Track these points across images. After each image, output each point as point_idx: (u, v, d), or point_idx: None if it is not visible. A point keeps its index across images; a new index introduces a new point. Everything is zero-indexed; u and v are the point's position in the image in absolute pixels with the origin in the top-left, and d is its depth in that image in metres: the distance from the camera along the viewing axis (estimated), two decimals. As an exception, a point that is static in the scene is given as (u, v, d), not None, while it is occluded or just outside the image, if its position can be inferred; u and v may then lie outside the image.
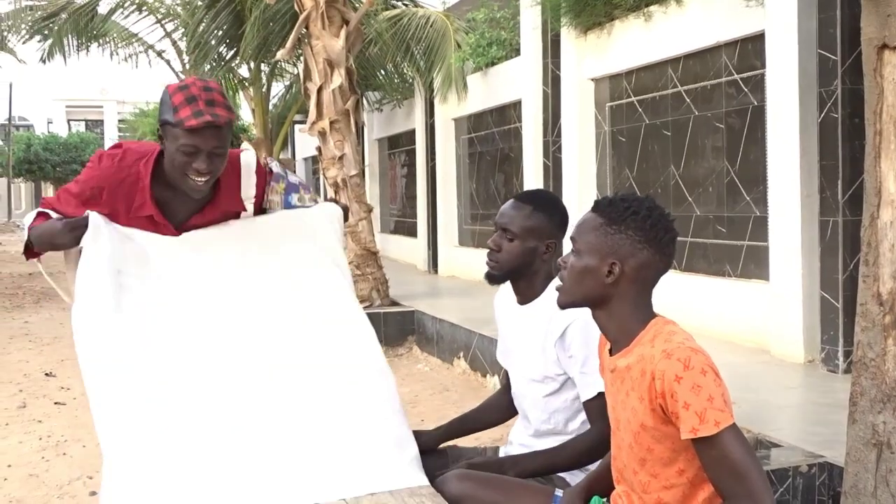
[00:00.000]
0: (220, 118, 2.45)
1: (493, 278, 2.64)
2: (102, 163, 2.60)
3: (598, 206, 2.10)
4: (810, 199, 5.96)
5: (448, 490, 2.26)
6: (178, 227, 2.65)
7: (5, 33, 15.20)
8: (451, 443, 2.80)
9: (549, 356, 2.54)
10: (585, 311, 2.31)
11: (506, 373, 2.86)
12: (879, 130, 2.71)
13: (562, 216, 2.64)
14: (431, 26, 12.35)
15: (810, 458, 3.73)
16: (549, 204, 2.64)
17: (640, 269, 2.03)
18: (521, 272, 2.60)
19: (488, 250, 2.63)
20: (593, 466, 2.54)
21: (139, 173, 2.59)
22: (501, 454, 2.75)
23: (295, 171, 15.75)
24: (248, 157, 2.76)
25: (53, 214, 2.61)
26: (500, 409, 2.89)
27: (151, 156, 2.59)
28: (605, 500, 2.22)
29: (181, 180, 2.52)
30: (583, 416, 2.56)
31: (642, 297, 2.06)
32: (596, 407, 2.46)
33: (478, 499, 2.30)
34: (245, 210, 2.73)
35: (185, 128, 2.42)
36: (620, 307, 2.05)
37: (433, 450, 2.74)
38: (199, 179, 2.50)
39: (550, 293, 2.56)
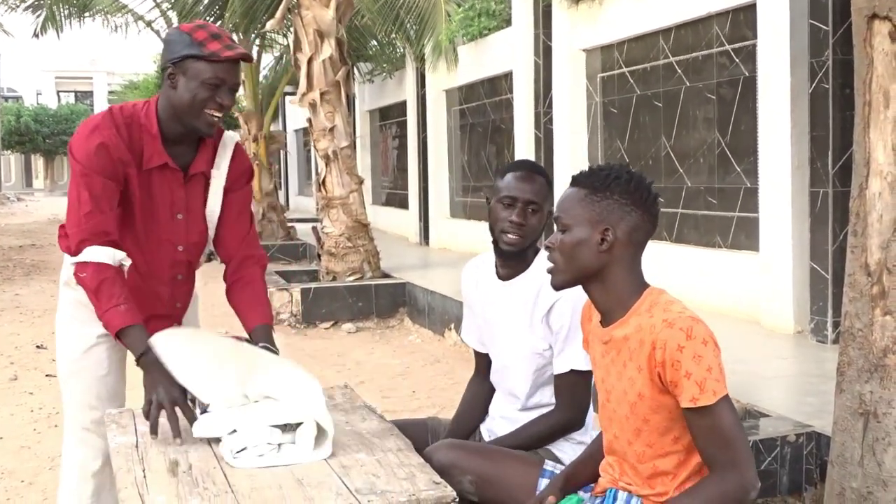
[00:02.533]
0: (248, 54, 2.61)
1: (514, 255, 2.58)
2: (105, 131, 2.56)
3: (577, 180, 2.10)
4: (801, 169, 5.96)
5: (437, 459, 2.27)
6: (185, 173, 2.69)
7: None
8: (432, 415, 2.76)
9: (536, 332, 2.53)
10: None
11: (478, 358, 2.82)
12: (869, 101, 2.70)
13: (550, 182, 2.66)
14: (422, -4, 12.26)
15: (798, 428, 3.76)
16: (545, 171, 2.65)
17: (631, 232, 2.03)
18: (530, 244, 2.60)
19: (510, 225, 2.53)
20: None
21: (143, 126, 2.61)
22: (482, 428, 2.74)
23: (286, 144, 15.54)
24: (231, 134, 2.83)
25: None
26: (485, 400, 2.81)
27: (149, 108, 2.63)
28: (586, 493, 2.24)
29: (196, 118, 2.57)
30: None
31: (635, 262, 2.07)
32: (565, 384, 2.48)
33: (466, 468, 2.31)
34: (212, 177, 2.76)
35: (222, 58, 2.52)
36: (616, 275, 2.05)
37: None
38: (217, 115, 2.59)
39: (535, 267, 2.56)
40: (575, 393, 2.47)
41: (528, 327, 2.55)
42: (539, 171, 2.61)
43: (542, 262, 2.56)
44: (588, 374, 2.44)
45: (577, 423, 2.50)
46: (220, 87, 2.55)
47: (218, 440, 2.21)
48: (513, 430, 2.58)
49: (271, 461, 2.10)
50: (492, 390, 2.77)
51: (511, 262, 2.60)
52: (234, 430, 2.16)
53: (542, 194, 2.55)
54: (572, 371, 2.46)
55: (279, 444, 2.14)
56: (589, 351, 2.23)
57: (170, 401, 2.33)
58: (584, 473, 2.27)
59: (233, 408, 2.25)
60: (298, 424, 2.16)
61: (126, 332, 2.49)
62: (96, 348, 2.78)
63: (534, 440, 2.53)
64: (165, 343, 2.39)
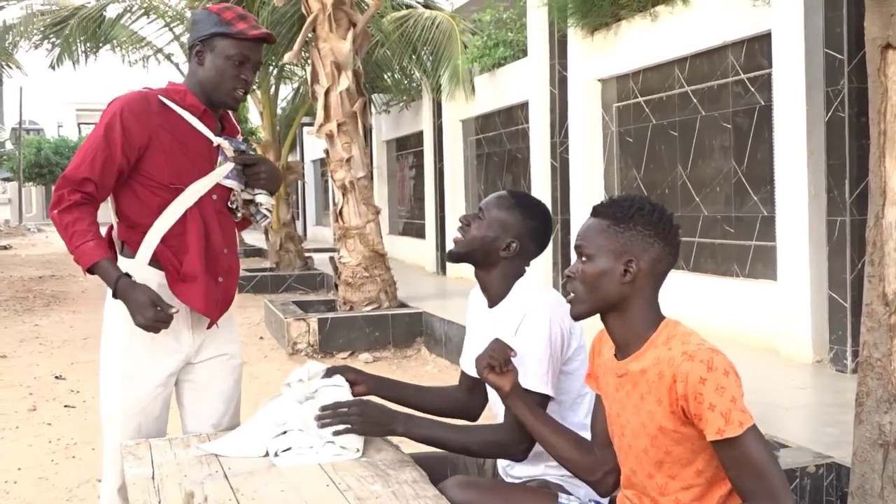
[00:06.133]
0: (272, 35, 2.84)
1: (451, 255, 2.63)
2: (127, 112, 2.71)
3: (599, 211, 2.09)
4: (818, 198, 5.94)
5: (450, 497, 2.23)
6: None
7: (17, 39, 15.21)
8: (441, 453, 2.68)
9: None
10: (537, 305, 2.36)
11: (461, 375, 2.82)
12: (884, 130, 2.70)
13: (538, 225, 2.59)
14: (437, 27, 12.36)
15: (818, 459, 3.72)
16: (530, 208, 2.60)
17: (654, 264, 2.03)
18: (478, 260, 2.57)
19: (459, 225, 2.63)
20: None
21: (178, 93, 2.80)
22: (499, 468, 2.70)
23: (304, 174, 15.73)
24: None
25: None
26: (448, 399, 2.82)
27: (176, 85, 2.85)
28: None
29: (223, 92, 2.78)
30: (566, 413, 2.50)
31: (655, 294, 2.07)
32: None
33: None
34: (235, 136, 2.95)
35: (249, 36, 2.74)
36: (636, 307, 2.04)
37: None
38: (242, 90, 2.80)
39: (517, 294, 2.54)
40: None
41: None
42: (516, 196, 2.61)
43: (522, 288, 2.55)
44: (544, 398, 2.39)
45: (515, 446, 2.39)
46: (244, 64, 2.76)
47: (229, 468, 2.24)
48: (453, 423, 2.52)
49: (310, 460, 2.30)
50: (460, 400, 2.78)
51: (452, 262, 2.65)
52: (284, 432, 2.38)
53: (494, 210, 2.56)
54: (525, 391, 2.37)
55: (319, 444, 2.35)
56: (599, 385, 2.22)
57: (154, 320, 2.59)
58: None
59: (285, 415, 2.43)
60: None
61: (96, 267, 2.63)
62: (161, 394, 2.83)
63: (461, 449, 2.48)
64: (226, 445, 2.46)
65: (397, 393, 2.79)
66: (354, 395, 2.56)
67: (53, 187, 2.73)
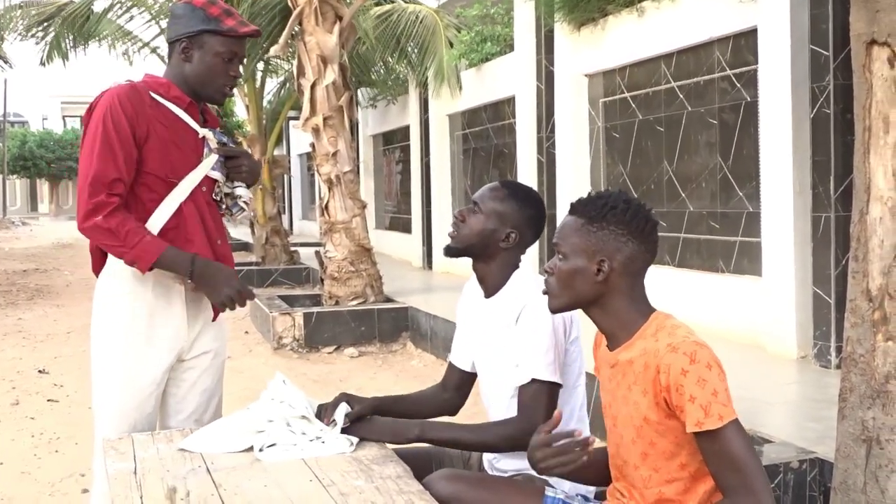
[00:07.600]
0: (259, 30, 2.83)
1: (450, 250, 2.63)
2: (126, 104, 2.66)
3: (575, 208, 2.11)
4: (803, 194, 5.96)
5: (437, 490, 2.23)
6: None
7: (2, 32, 15.10)
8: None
9: (510, 343, 2.50)
10: (538, 294, 2.34)
11: (449, 370, 2.81)
12: (868, 126, 2.71)
13: (534, 213, 2.61)
14: (422, 23, 12.34)
15: (801, 454, 3.74)
16: (525, 197, 2.62)
17: (627, 263, 2.04)
18: (477, 253, 2.58)
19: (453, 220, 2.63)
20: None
21: (162, 86, 2.77)
22: (485, 462, 2.71)
23: (290, 168, 15.78)
24: None
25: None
26: (436, 402, 2.81)
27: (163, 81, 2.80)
28: None
29: (215, 88, 2.78)
30: (563, 404, 2.50)
31: (636, 289, 2.07)
32: (529, 393, 2.40)
33: (467, 499, 2.27)
34: (216, 128, 2.93)
35: (240, 33, 2.73)
36: (615, 302, 2.05)
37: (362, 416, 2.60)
38: (230, 86, 2.80)
39: (514, 283, 2.55)
40: (536, 404, 2.39)
41: (506, 342, 2.52)
42: (509, 187, 2.62)
43: (519, 278, 2.57)
44: (555, 386, 2.40)
45: (531, 436, 2.39)
46: (232, 61, 2.76)
47: (212, 463, 2.25)
48: (469, 424, 2.51)
49: (296, 455, 2.29)
50: (445, 400, 2.78)
51: (450, 257, 2.66)
52: (263, 430, 2.40)
53: (490, 202, 2.57)
54: (534, 381, 2.39)
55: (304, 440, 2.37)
56: (599, 377, 2.23)
57: (239, 290, 2.68)
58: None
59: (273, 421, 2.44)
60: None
61: (164, 257, 2.62)
62: (155, 391, 2.81)
63: (479, 446, 2.50)
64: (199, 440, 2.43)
65: (395, 408, 2.72)
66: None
67: (80, 196, 2.62)
